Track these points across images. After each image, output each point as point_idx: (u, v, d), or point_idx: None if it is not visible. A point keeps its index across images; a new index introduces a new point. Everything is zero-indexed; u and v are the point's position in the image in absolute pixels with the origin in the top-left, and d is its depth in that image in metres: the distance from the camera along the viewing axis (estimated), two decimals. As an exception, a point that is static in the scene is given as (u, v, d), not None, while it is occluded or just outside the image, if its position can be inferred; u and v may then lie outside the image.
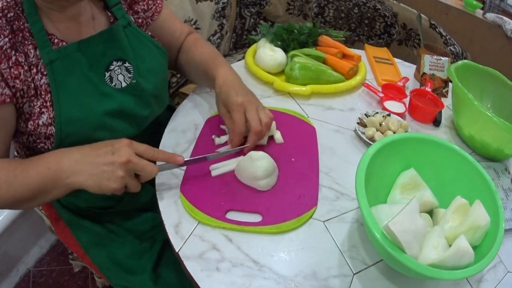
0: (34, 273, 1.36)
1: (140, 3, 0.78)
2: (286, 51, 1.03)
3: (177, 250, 0.60)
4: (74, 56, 0.64)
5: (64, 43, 0.64)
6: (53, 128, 0.63)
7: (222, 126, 0.81)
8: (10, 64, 0.58)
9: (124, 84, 0.70)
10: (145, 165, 0.61)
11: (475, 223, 0.56)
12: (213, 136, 0.78)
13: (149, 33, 0.80)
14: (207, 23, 1.35)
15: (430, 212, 0.66)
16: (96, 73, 0.67)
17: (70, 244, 0.87)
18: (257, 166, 0.66)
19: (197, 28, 1.32)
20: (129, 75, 0.71)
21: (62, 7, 0.63)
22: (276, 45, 1.03)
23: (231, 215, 0.65)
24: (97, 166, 0.59)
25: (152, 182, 0.69)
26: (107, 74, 0.68)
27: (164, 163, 0.66)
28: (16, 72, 0.59)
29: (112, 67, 0.69)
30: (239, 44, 1.61)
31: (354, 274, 0.60)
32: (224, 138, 0.78)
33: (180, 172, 0.71)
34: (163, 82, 0.80)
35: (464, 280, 0.63)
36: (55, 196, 0.62)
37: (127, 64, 0.71)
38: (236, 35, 1.59)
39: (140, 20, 0.78)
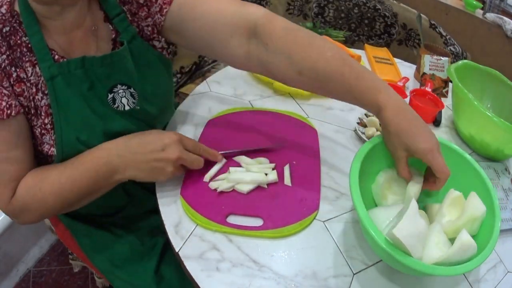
0: (34, 273, 1.36)
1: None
2: (286, 51, 1.02)
3: (177, 250, 0.60)
4: (76, 73, 0.60)
5: (65, 59, 0.60)
6: (54, 150, 0.61)
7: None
8: (12, 82, 0.56)
9: (127, 108, 0.66)
10: (193, 160, 0.65)
11: (473, 215, 0.57)
12: None
13: (161, 40, 0.71)
14: (207, 23, 1.34)
15: (424, 209, 0.66)
16: (98, 94, 0.63)
17: (71, 246, 0.87)
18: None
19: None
20: (133, 100, 0.67)
21: (57, 12, 0.58)
22: (276, 45, 1.03)
23: (232, 219, 0.64)
24: (148, 162, 0.61)
25: (153, 188, 0.69)
26: (110, 96, 0.64)
27: None
28: (19, 90, 0.56)
29: (116, 89, 0.65)
30: (239, 44, 1.61)
31: (354, 274, 0.60)
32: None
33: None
34: (168, 100, 0.76)
35: (464, 280, 0.63)
36: (103, 192, 0.65)
37: (132, 90, 0.66)
38: (236, 35, 1.59)
39: (150, 29, 0.68)
